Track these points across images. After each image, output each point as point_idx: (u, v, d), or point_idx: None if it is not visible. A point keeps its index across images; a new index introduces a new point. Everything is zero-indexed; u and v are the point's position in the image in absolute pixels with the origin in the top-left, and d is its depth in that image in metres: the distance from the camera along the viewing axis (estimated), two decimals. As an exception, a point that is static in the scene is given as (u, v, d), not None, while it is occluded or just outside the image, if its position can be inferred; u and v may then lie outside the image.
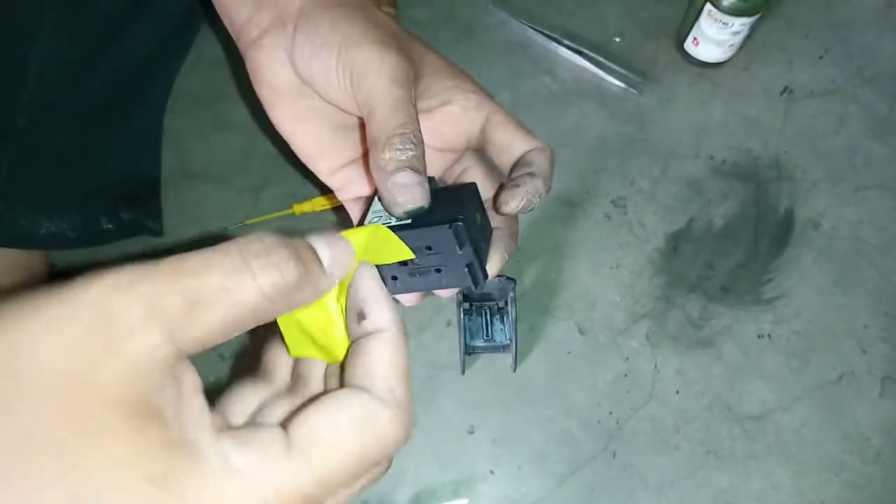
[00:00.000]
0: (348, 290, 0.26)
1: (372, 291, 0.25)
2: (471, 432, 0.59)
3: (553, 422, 0.59)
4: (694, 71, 0.69)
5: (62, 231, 0.57)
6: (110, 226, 0.60)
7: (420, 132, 0.31)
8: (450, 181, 0.37)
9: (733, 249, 0.64)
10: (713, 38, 0.64)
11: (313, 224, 0.64)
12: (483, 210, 0.34)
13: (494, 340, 0.59)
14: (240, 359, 0.61)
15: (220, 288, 0.20)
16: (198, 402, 0.20)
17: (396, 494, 0.58)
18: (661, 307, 0.62)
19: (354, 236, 0.27)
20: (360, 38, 0.31)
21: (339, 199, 0.39)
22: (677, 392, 0.60)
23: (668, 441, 0.59)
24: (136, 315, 0.18)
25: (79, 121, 0.57)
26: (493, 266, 0.34)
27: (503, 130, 0.34)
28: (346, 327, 0.26)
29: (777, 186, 0.66)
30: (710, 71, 0.69)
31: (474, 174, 0.36)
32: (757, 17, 0.62)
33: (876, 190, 0.66)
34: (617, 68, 0.68)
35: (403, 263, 0.30)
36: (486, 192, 0.36)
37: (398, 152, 0.30)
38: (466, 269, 0.31)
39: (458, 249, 0.30)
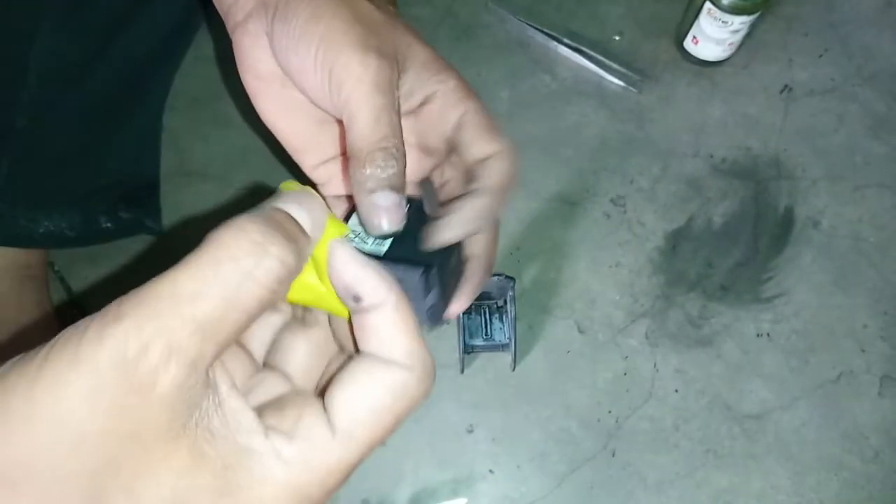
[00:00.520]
0: (329, 276, 0.25)
1: (356, 273, 0.24)
2: (470, 431, 0.59)
3: (552, 421, 0.59)
4: (693, 69, 0.69)
5: (61, 230, 0.57)
6: (109, 225, 0.60)
7: (402, 144, 0.30)
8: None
9: (733, 248, 0.64)
10: (713, 36, 0.64)
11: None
12: (460, 249, 0.32)
13: (493, 339, 0.59)
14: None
15: (225, 304, 0.20)
16: (237, 403, 0.21)
17: (396, 493, 0.58)
18: (660, 306, 0.62)
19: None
20: (341, 37, 0.30)
21: (323, 193, 0.37)
22: (676, 391, 0.60)
23: (668, 440, 0.59)
24: (155, 360, 0.19)
25: (78, 120, 0.57)
26: (459, 305, 0.33)
27: (469, 130, 0.33)
28: (341, 301, 0.25)
29: (776, 185, 0.66)
30: (709, 69, 0.69)
31: (455, 188, 0.34)
32: (756, 15, 0.62)
33: (875, 188, 0.66)
34: (617, 67, 0.68)
35: None
36: None
37: (379, 169, 0.29)
38: (427, 311, 0.30)
39: (425, 295, 0.29)
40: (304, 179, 0.37)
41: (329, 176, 0.37)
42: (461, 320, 0.58)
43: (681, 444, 0.59)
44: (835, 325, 0.62)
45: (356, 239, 0.30)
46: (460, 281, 0.33)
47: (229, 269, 0.20)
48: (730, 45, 0.65)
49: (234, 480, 0.20)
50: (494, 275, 0.59)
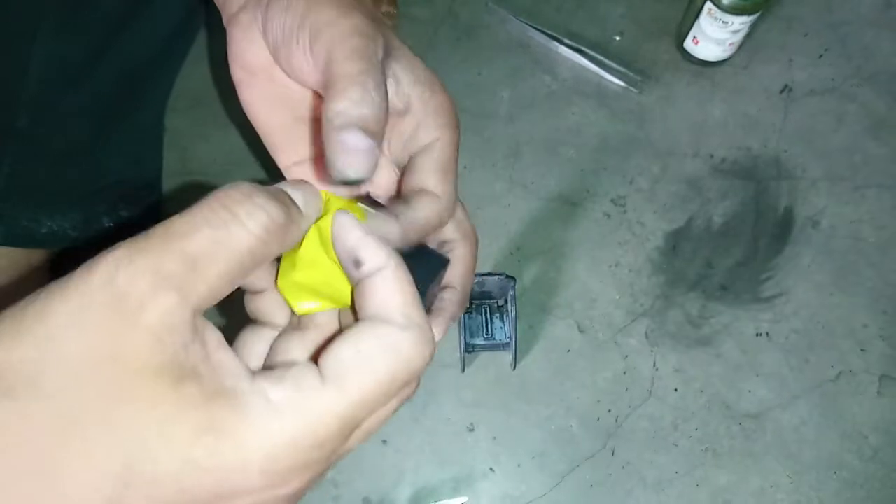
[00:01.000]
0: (333, 243, 0.25)
1: (359, 237, 0.25)
2: (471, 430, 0.60)
3: (552, 420, 0.60)
4: (694, 70, 0.69)
5: (63, 230, 0.57)
6: (111, 224, 0.60)
7: (384, 88, 0.27)
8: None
9: (732, 248, 0.64)
10: (713, 36, 0.64)
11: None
12: (440, 283, 0.33)
13: (494, 339, 0.59)
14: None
15: (214, 241, 0.20)
16: (226, 353, 0.21)
17: (397, 492, 0.58)
18: (660, 305, 0.62)
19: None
20: (325, 1, 0.29)
21: None
22: (676, 390, 0.60)
23: (667, 439, 0.59)
24: (143, 286, 0.19)
25: (80, 120, 0.58)
26: (437, 329, 0.33)
27: (429, 160, 0.31)
28: (346, 275, 0.26)
29: (776, 185, 0.66)
30: (709, 70, 0.69)
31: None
32: (756, 15, 0.62)
33: (875, 189, 0.66)
34: (617, 67, 0.69)
35: None
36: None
37: (353, 105, 0.26)
38: None
39: None
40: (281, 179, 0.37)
41: (304, 176, 0.36)
42: (462, 320, 0.58)
43: (680, 443, 0.59)
44: (834, 324, 0.62)
45: None
46: (431, 309, 0.33)
47: (219, 211, 0.21)
48: (730, 45, 0.65)
49: (217, 418, 0.19)
50: (495, 274, 0.59)
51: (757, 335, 0.62)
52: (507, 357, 0.60)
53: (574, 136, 0.67)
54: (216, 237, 0.20)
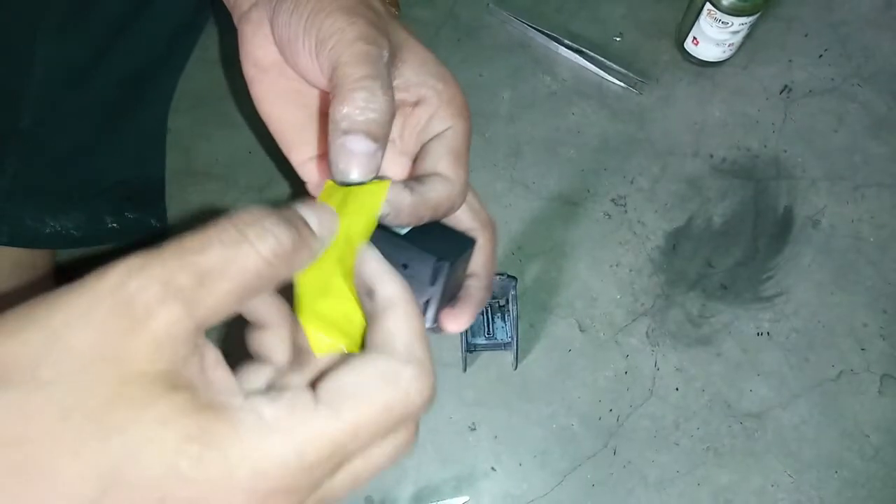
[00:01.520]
0: (354, 274, 0.26)
1: (376, 269, 0.25)
2: (472, 429, 0.60)
3: (554, 419, 0.60)
4: (694, 70, 0.69)
5: (67, 230, 0.58)
6: (115, 225, 0.61)
7: (391, 93, 0.28)
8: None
9: (733, 247, 0.64)
10: (713, 37, 0.65)
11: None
12: (466, 267, 0.33)
13: (496, 338, 0.59)
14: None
15: (223, 259, 0.21)
16: (223, 371, 0.22)
17: (398, 491, 0.58)
18: (660, 305, 0.63)
19: (329, 199, 0.27)
20: (329, 4, 0.29)
21: (310, 192, 0.37)
22: (677, 389, 0.61)
23: (668, 438, 0.59)
24: (152, 294, 0.19)
25: (83, 121, 0.58)
26: (465, 316, 0.33)
27: (441, 148, 0.31)
28: (359, 301, 0.26)
29: (776, 185, 0.66)
30: (709, 70, 0.69)
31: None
32: (756, 16, 0.62)
33: (875, 188, 0.66)
34: (617, 68, 0.69)
35: None
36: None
37: (357, 110, 0.27)
38: (423, 305, 0.30)
39: (429, 284, 0.30)
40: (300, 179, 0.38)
41: (316, 174, 0.36)
42: (463, 319, 0.58)
43: (681, 442, 0.59)
44: (834, 323, 0.62)
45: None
46: (458, 296, 0.33)
47: (230, 231, 0.21)
48: (730, 45, 0.66)
49: (206, 428, 0.19)
50: (497, 274, 0.59)
51: (757, 334, 0.62)
52: (508, 356, 0.60)
53: (574, 136, 0.67)
54: (226, 255, 0.21)
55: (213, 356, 0.22)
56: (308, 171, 0.36)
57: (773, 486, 0.58)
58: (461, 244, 0.32)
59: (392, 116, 0.28)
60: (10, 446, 0.18)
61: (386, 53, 0.29)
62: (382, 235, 0.29)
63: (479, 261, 0.35)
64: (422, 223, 0.30)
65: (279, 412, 0.20)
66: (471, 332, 0.59)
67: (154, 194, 0.65)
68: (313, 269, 0.25)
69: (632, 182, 0.66)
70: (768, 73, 0.70)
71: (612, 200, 0.66)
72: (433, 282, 0.30)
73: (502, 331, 0.59)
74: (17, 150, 0.54)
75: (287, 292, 0.26)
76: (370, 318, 0.25)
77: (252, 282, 0.21)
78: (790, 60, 0.70)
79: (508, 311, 0.59)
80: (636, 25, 0.71)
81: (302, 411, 0.21)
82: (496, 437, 0.60)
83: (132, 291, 0.19)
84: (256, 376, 0.27)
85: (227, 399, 0.20)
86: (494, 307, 0.60)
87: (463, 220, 0.35)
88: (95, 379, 0.19)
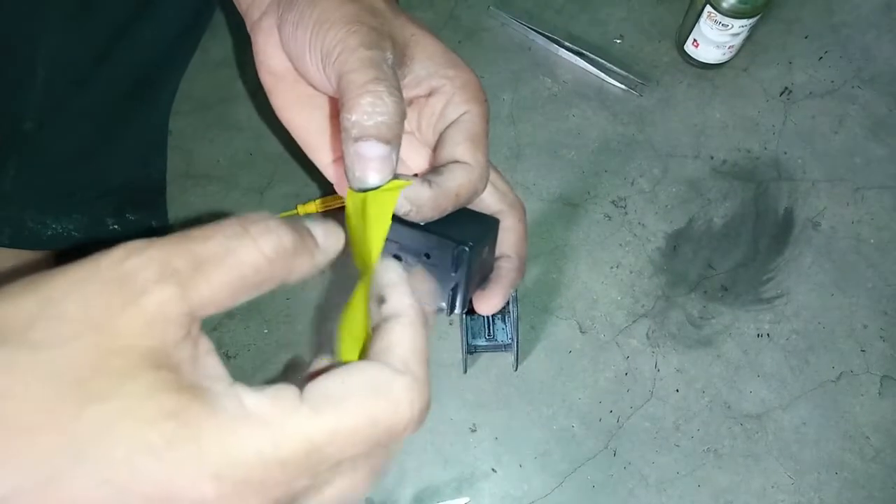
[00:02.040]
0: (371, 280, 0.26)
1: (392, 279, 0.26)
2: (473, 430, 0.60)
3: (554, 420, 0.60)
4: (694, 72, 0.70)
5: (68, 232, 0.58)
6: (116, 226, 0.61)
7: (399, 93, 0.28)
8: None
9: (733, 249, 0.64)
10: (713, 39, 0.65)
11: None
12: (493, 247, 0.33)
13: (496, 339, 0.59)
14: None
15: (224, 249, 0.21)
16: (213, 360, 0.22)
17: (399, 492, 0.58)
18: (661, 306, 0.63)
19: (353, 209, 0.27)
20: (331, 14, 0.30)
21: (338, 191, 0.38)
22: (677, 391, 0.61)
23: (669, 439, 0.59)
24: (149, 274, 0.20)
25: (85, 123, 0.58)
26: (496, 298, 0.33)
27: (459, 132, 0.31)
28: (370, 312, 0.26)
29: (777, 186, 0.66)
30: (710, 72, 0.70)
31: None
32: (756, 18, 0.62)
33: (875, 190, 0.66)
34: (617, 70, 0.69)
35: (398, 257, 0.30)
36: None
37: (365, 116, 0.27)
38: (450, 292, 0.30)
39: (452, 271, 0.30)
40: (319, 180, 0.38)
41: (342, 174, 0.37)
42: (464, 320, 0.58)
43: (681, 444, 0.59)
44: (835, 325, 0.62)
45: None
46: (489, 278, 0.33)
47: (234, 226, 0.22)
48: (730, 48, 0.66)
49: (184, 406, 0.19)
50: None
51: (758, 336, 0.62)
52: (508, 358, 0.60)
53: (575, 138, 0.68)
54: (226, 246, 0.21)
55: (206, 346, 0.22)
56: (335, 171, 0.37)
57: (773, 487, 0.58)
58: (484, 226, 0.32)
59: (402, 116, 0.28)
60: None
61: (389, 55, 0.30)
62: (403, 228, 0.29)
63: (509, 241, 0.35)
64: (446, 213, 0.30)
65: (261, 403, 0.20)
66: (471, 333, 0.59)
67: (155, 196, 0.65)
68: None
69: (632, 184, 0.66)
70: (769, 75, 0.70)
71: (613, 202, 0.66)
72: (456, 268, 0.30)
73: (503, 332, 0.59)
74: (18, 151, 0.54)
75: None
76: (376, 327, 0.25)
77: (249, 276, 0.21)
78: (790, 62, 0.70)
79: (509, 312, 0.59)
80: (636, 28, 0.71)
81: (284, 406, 0.20)
82: (497, 438, 0.60)
83: (129, 269, 0.20)
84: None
85: (211, 384, 0.20)
86: (495, 309, 0.60)
87: (490, 203, 0.35)
88: (84, 346, 0.19)
